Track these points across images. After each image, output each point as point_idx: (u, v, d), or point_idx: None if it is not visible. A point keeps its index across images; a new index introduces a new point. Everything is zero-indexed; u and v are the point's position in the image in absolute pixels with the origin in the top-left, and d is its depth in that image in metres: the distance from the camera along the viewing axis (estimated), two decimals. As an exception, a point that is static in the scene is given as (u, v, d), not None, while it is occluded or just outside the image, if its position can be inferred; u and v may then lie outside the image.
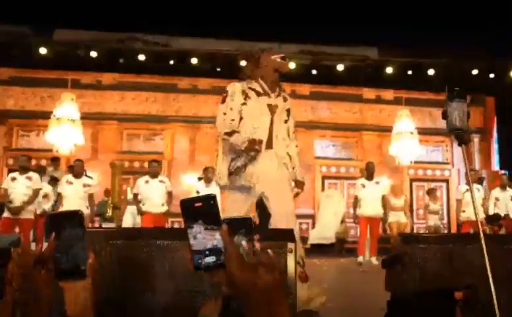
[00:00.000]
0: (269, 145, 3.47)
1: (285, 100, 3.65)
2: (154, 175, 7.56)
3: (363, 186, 8.22)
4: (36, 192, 7.19)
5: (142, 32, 10.98)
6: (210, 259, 0.95)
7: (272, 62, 3.55)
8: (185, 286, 1.53)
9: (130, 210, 8.86)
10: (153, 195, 7.40)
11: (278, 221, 3.29)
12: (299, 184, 3.68)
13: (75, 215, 1.02)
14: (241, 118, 3.46)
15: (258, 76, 3.57)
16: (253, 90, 3.53)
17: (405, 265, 1.84)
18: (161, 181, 7.58)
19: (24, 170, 7.23)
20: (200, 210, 0.95)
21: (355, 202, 8.31)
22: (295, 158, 3.66)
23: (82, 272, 1.00)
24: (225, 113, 3.46)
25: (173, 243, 1.56)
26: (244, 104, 3.47)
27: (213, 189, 7.96)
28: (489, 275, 1.61)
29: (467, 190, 8.03)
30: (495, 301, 1.57)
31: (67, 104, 10.07)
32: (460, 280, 1.71)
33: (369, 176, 8.29)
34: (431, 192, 11.15)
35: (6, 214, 7.06)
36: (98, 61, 10.70)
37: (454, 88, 2.04)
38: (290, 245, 1.50)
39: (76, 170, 7.53)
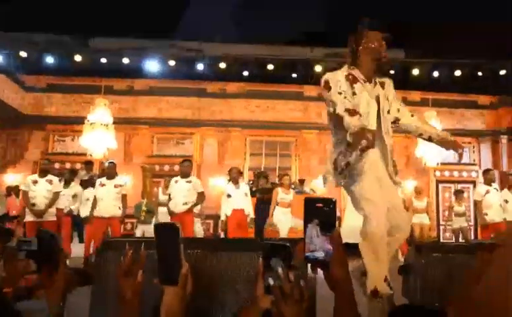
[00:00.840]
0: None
1: (382, 86, 3.01)
2: (185, 174, 7.51)
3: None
4: (56, 195, 7.36)
5: (171, 39, 11.21)
6: (320, 255, 1.05)
7: (373, 43, 2.93)
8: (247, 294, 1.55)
9: (161, 211, 9.06)
10: (177, 194, 7.36)
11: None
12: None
13: (171, 228, 1.15)
14: None
15: (358, 62, 2.94)
16: (355, 76, 2.89)
17: (418, 273, 1.86)
18: (188, 181, 7.48)
19: (43, 173, 7.36)
20: (319, 210, 1.05)
21: None
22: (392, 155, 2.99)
23: (174, 279, 1.11)
24: (340, 93, 2.77)
25: (238, 254, 1.62)
26: (354, 93, 2.83)
27: (242, 190, 8.07)
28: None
29: (487, 192, 7.86)
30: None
31: (100, 109, 10.40)
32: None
33: None
34: (457, 194, 11.09)
35: (29, 218, 7.17)
36: (130, 67, 10.96)
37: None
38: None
39: (108, 172, 7.69)
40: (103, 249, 1.61)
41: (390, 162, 2.96)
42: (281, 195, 8.05)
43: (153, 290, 1.14)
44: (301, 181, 11.02)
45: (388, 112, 3.03)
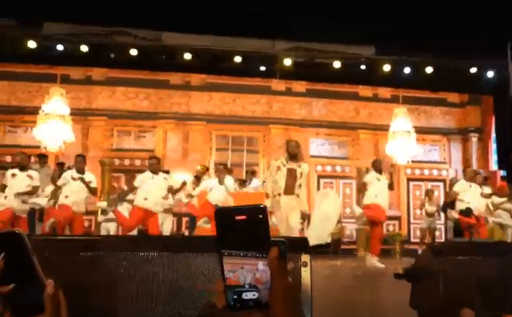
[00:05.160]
0: (287, 192, 6.66)
1: (299, 166, 6.75)
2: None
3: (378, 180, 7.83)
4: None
5: (132, 27, 10.69)
6: (251, 295, 0.71)
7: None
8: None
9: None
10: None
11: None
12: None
13: (14, 235, 0.75)
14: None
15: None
16: (281, 162, 6.82)
17: (434, 280, 1.59)
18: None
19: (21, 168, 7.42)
20: (243, 226, 0.71)
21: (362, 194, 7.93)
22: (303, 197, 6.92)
23: (36, 305, 0.76)
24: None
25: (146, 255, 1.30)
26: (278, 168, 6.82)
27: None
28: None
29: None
30: None
31: (56, 99, 9.86)
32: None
33: (380, 172, 7.96)
34: (429, 194, 11.00)
35: None
36: (88, 55, 10.43)
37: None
38: (304, 257, 1.27)
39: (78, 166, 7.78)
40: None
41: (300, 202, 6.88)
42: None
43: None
44: (253, 173, 10.55)
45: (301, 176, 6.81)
